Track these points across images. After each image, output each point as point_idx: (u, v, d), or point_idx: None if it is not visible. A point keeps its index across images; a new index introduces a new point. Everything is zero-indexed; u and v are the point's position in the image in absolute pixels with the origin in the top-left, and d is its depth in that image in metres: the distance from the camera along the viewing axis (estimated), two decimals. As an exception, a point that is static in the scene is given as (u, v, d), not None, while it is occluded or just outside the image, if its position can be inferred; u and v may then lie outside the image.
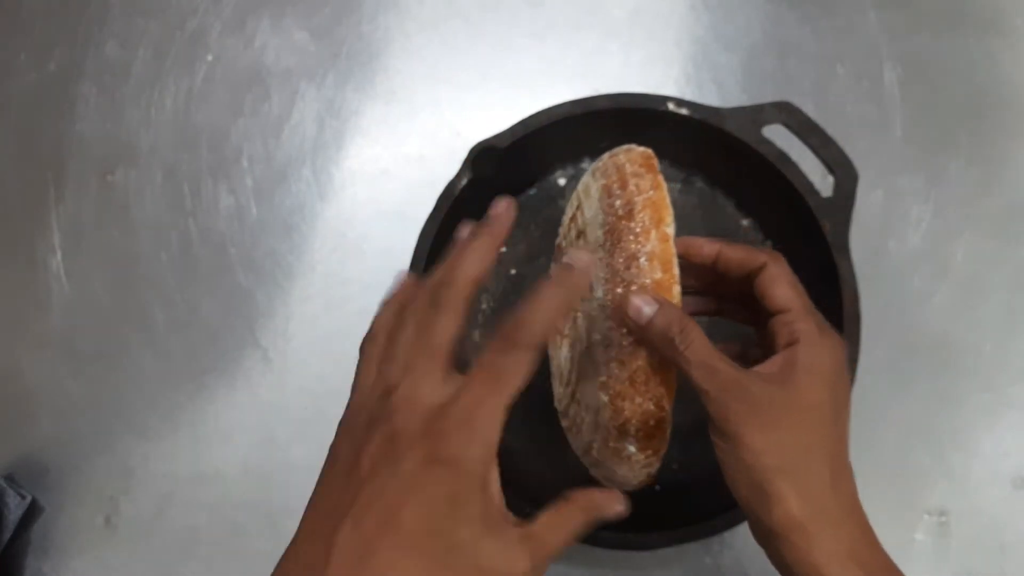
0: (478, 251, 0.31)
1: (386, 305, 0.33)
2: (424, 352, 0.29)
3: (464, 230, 0.33)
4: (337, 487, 0.28)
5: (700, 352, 0.33)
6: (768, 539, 0.33)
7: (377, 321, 0.33)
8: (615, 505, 0.31)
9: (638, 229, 0.37)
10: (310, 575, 0.26)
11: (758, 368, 0.35)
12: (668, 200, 0.38)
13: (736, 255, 0.39)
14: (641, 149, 0.40)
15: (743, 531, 0.38)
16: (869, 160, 0.57)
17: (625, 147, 0.41)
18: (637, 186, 0.38)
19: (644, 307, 0.35)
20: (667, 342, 0.34)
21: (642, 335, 0.35)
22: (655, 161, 0.39)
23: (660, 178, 0.39)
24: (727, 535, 0.46)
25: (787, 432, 0.33)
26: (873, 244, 0.56)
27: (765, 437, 0.32)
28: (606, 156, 0.41)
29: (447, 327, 0.29)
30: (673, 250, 0.37)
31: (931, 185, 0.58)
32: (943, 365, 0.55)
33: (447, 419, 0.27)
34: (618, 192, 0.38)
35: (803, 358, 0.34)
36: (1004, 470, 0.53)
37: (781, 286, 0.37)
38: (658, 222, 0.37)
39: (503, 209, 0.33)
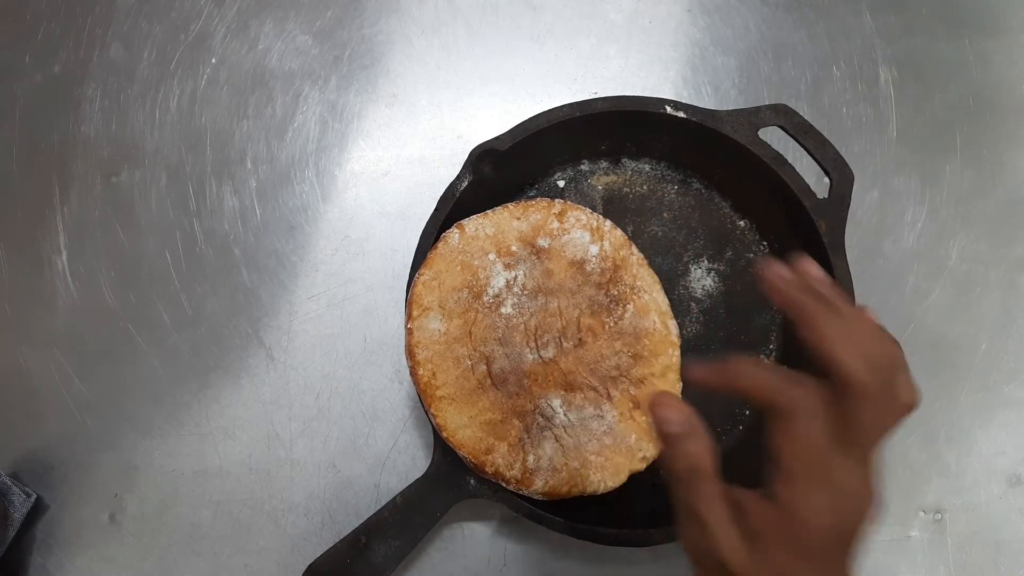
0: None
1: None
2: None
3: None
4: None
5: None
6: None
7: None
8: None
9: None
10: None
11: None
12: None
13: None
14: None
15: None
16: (865, 161, 0.58)
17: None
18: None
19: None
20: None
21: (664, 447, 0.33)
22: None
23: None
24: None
25: None
26: (869, 244, 0.57)
27: None
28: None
29: None
30: None
31: (926, 186, 0.58)
32: (938, 364, 0.55)
33: None
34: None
35: None
36: (999, 468, 0.54)
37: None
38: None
39: None
